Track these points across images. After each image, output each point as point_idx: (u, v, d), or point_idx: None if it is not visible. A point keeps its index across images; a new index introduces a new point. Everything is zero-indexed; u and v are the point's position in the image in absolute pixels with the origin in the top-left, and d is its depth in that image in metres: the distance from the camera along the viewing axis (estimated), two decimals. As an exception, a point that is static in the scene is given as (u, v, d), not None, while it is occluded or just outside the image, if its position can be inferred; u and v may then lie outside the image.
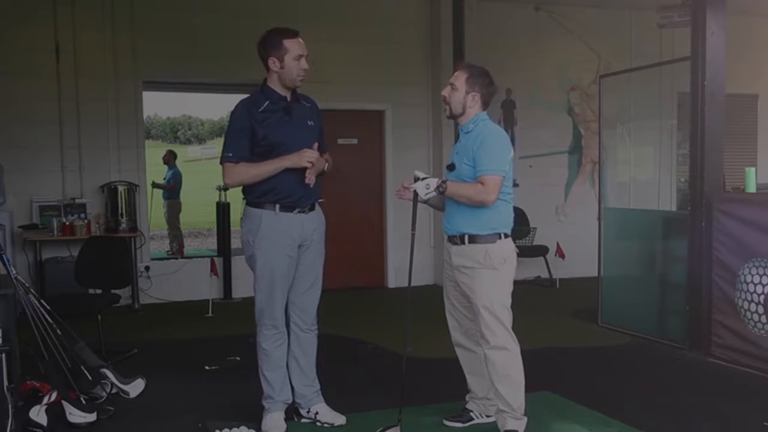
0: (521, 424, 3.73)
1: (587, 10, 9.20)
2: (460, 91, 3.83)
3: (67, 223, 7.34)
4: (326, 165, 3.96)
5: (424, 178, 3.71)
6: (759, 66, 9.64)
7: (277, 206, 3.79)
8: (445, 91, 3.89)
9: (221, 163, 3.83)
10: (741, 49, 8.09)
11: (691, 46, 5.49)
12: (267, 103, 3.80)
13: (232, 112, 3.87)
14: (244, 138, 3.76)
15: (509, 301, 3.77)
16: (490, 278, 3.72)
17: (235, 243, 8.53)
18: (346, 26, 8.42)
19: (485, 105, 3.85)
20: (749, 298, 5.07)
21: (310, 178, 3.77)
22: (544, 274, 8.81)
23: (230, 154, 3.78)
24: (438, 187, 3.65)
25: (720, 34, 5.37)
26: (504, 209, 3.78)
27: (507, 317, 3.74)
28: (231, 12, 8.03)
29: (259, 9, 7.84)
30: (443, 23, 8.55)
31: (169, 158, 12.16)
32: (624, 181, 8.90)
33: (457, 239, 3.82)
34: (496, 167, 3.66)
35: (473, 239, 3.76)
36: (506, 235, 3.78)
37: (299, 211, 3.84)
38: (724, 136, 5.53)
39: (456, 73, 3.88)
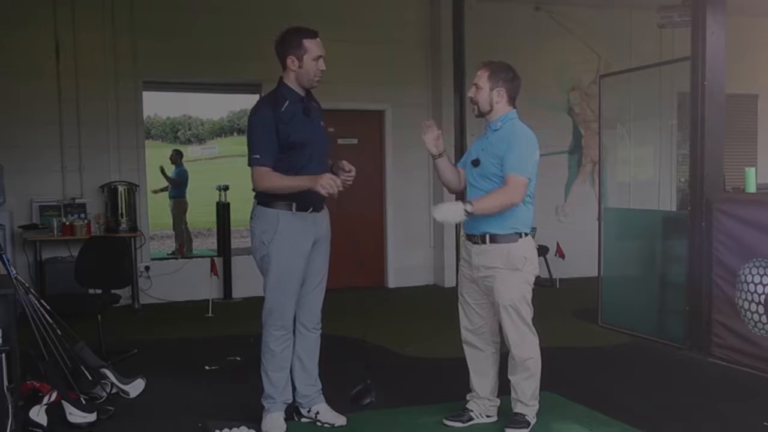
0: (532, 409, 3.90)
1: (587, 10, 9.20)
2: (484, 89, 3.87)
3: (67, 223, 7.34)
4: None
5: (440, 208, 3.70)
6: (759, 66, 9.64)
7: (294, 205, 3.78)
8: (471, 92, 3.93)
9: (250, 164, 3.74)
10: (741, 49, 8.09)
11: (691, 46, 5.49)
12: (287, 103, 3.77)
13: (255, 112, 3.81)
14: (273, 138, 3.70)
15: (530, 296, 3.86)
16: (512, 278, 3.78)
17: (235, 243, 8.56)
18: (346, 26, 8.41)
19: (512, 99, 3.90)
20: (749, 298, 5.07)
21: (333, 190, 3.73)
22: (544, 274, 8.80)
23: (258, 156, 3.69)
24: (465, 210, 3.65)
25: (720, 34, 5.37)
26: (525, 209, 3.84)
27: (528, 313, 3.85)
28: (231, 12, 8.02)
29: (260, 9, 7.85)
30: (443, 23, 8.55)
31: (176, 158, 12.32)
32: (624, 181, 8.90)
33: (478, 238, 3.85)
34: (522, 168, 3.74)
35: (494, 239, 3.80)
36: (526, 234, 3.85)
37: (313, 210, 3.84)
38: (724, 136, 5.53)
39: (478, 72, 3.91)
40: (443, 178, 4.10)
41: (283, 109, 3.75)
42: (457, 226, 8.75)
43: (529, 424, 3.89)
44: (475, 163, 3.90)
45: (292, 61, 3.76)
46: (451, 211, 3.67)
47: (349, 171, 3.83)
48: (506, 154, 3.74)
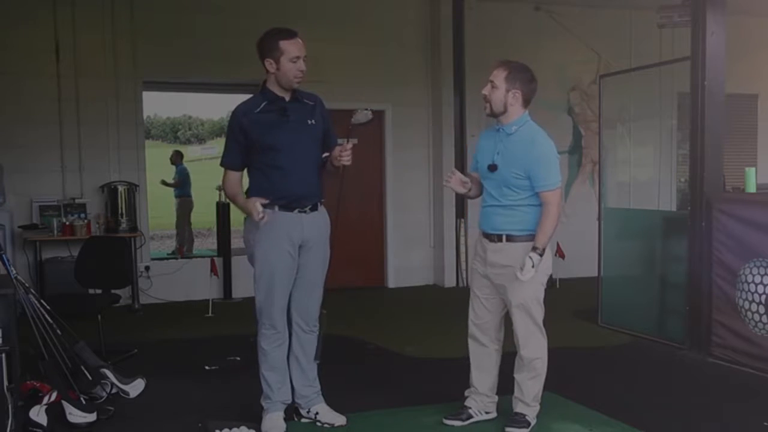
0: (533, 410, 3.91)
1: (587, 10, 9.20)
2: (500, 89, 3.78)
3: (67, 223, 7.34)
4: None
5: (527, 269, 3.69)
6: (759, 66, 9.63)
7: (276, 206, 3.79)
8: (485, 90, 3.83)
9: (221, 164, 3.93)
10: (741, 49, 8.09)
11: (691, 46, 5.49)
12: (264, 104, 3.81)
13: (230, 116, 3.90)
14: (237, 144, 3.82)
15: (542, 296, 3.88)
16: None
17: (235, 243, 8.56)
18: (346, 26, 8.42)
19: (526, 102, 3.84)
20: (750, 298, 5.07)
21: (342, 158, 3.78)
22: (544, 274, 8.80)
23: (226, 161, 3.89)
24: (540, 255, 3.71)
25: (720, 34, 5.37)
26: (540, 211, 3.83)
27: (540, 313, 3.87)
28: (231, 12, 8.03)
29: (260, 9, 7.84)
30: (443, 23, 8.56)
31: (176, 158, 12.36)
32: (624, 181, 8.90)
33: (495, 237, 3.86)
34: (555, 180, 3.77)
35: (511, 239, 3.81)
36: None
37: (299, 211, 3.83)
38: (724, 136, 5.53)
39: (495, 71, 3.82)
40: (471, 197, 4.15)
41: (258, 110, 3.79)
42: (458, 226, 8.79)
43: (529, 424, 3.89)
44: (492, 168, 3.82)
45: (270, 64, 3.76)
46: (534, 266, 3.68)
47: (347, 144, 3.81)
48: (534, 171, 3.73)
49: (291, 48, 3.73)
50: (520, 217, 3.79)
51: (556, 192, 3.77)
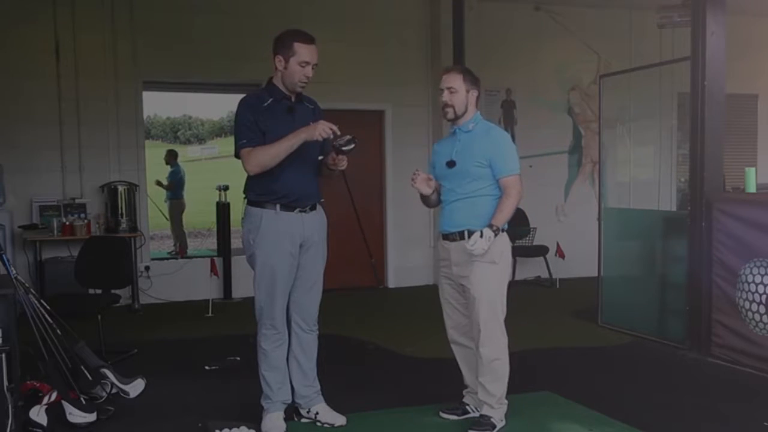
0: (499, 412, 3.90)
1: (587, 10, 9.21)
2: (460, 92, 3.93)
3: (67, 223, 7.33)
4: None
5: (475, 239, 3.70)
6: (759, 66, 9.65)
7: (278, 206, 3.79)
8: (445, 97, 3.95)
9: (237, 154, 3.77)
10: (741, 49, 8.09)
11: (691, 46, 5.49)
12: (271, 100, 3.81)
13: (238, 108, 3.83)
14: (255, 128, 3.74)
15: (504, 294, 3.90)
16: (488, 270, 3.82)
17: (235, 243, 8.54)
18: (346, 26, 8.42)
19: (478, 101, 4.03)
20: (750, 298, 5.07)
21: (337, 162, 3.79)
22: (544, 274, 8.81)
23: (244, 141, 3.72)
24: (495, 232, 3.73)
25: (720, 34, 5.37)
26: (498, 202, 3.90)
27: (501, 309, 3.88)
28: (231, 12, 8.03)
29: (260, 9, 7.85)
30: (443, 23, 8.55)
31: (170, 159, 12.21)
32: (624, 181, 8.90)
33: (457, 235, 3.91)
34: (514, 167, 3.89)
35: (473, 234, 3.80)
36: (503, 230, 3.89)
37: (300, 211, 3.83)
38: (724, 136, 5.53)
39: (449, 77, 3.97)
40: (432, 204, 4.18)
41: (264, 105, 3.78)
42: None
43: (494, 426, 3.86)
44: (451, 164, 3.95)
45: (279, 61, 3.78)
46: (485, 240, 3.69)
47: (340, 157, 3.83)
48: (495, 159, 3.86)
49: (303, 52, 3.75)
50: (480, 210, 3.84)
51: (517, 177, 3.88)
